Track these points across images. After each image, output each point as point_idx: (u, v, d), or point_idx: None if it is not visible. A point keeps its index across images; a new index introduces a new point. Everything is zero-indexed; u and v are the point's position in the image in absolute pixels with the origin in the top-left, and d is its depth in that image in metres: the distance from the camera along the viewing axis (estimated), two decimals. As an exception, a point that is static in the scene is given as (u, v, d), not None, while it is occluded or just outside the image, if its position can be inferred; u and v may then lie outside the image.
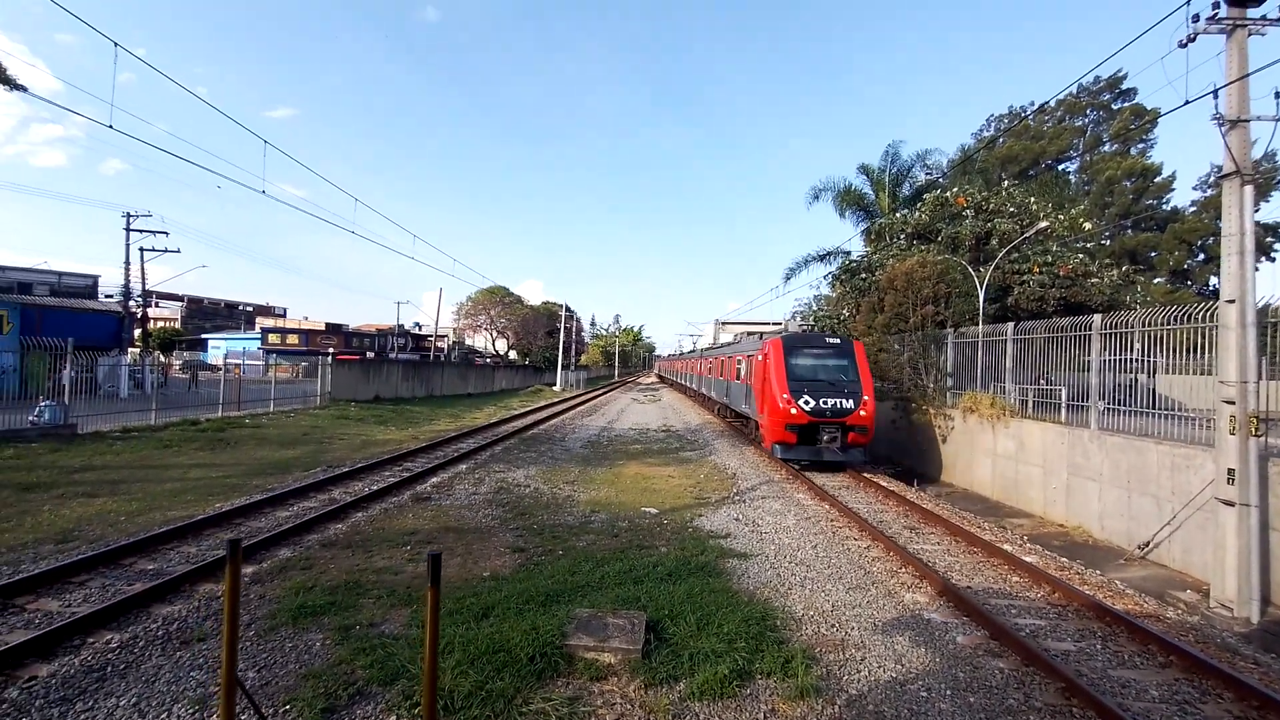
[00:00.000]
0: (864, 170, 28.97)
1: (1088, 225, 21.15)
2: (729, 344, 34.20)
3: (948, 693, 4.90)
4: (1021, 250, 19.85)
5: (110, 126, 9.31)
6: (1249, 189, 7.47)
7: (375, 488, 11.13)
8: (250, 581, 6.71)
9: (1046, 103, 50.77)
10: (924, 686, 4.99)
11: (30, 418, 14.26)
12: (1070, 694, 4.85)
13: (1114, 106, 48.75)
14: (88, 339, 21.84)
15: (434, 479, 12.59)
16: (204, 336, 66.73)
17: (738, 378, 20.82)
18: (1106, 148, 47.13)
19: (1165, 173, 44.87)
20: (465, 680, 4.64)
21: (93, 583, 6.52)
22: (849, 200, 28.75)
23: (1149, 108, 41.89)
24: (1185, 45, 7.90)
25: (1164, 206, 44.95)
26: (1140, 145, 47.20)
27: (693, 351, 51.19)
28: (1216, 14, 7.57)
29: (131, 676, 4.76)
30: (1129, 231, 43.62)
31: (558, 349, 56.16)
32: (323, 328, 60.63)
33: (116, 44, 8.74)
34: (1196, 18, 7.72)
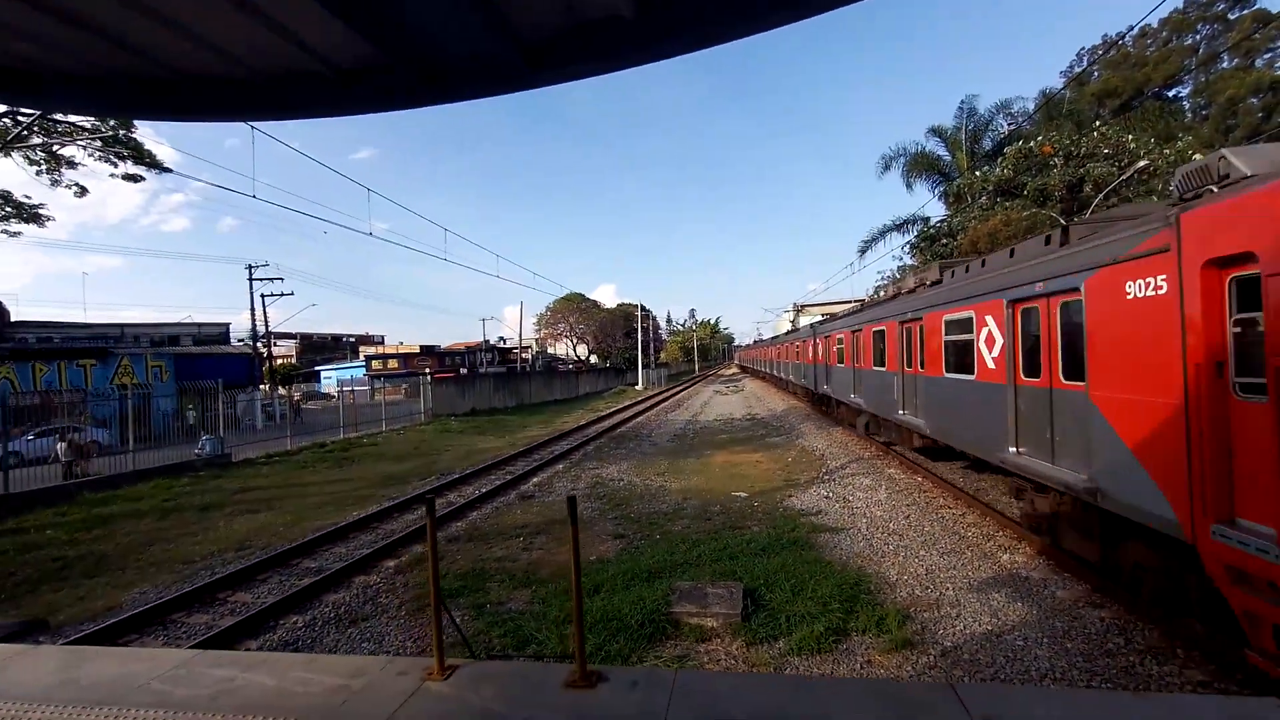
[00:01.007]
0: (936, 132, 27.67)
1: (1198, 156, 19.20)
2: (812, 325, 27.11)
3: (1045, 640, 5.02)
4: (1122, 194, 18.41)
5: (254, 197, 10.86)
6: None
7: (484, 490, 12.20)
8: (394, 573, 7.78)
9: (1147, 24, 46.07)
10: (1020, 636, 5.13)
11: (195, 450, 16.63)
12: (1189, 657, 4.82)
13: (1230, 16, 43.48)
14: (227, 379, 24.93)
15: (535, 479, 13.57)
16: (317, 369, 73.26)
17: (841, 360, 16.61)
18: (1225, 64, 42.11)
19: (1296, 82, 39.51)
20: (585, 644, 5.29)
21: (272, 579, 7.78)
22: (921, 165, 27.56)
23: (1274, 11, 37.12)
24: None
25: (1300, 121, 39.61)
26: (1267, 55, 41.78)
27: (774, 338, 50.22)
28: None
29: (318, 649, 5.77)
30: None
31: (636, 349, 57.22)
32: (418, 350, 65.00)
33: (253, 125, 10.17)
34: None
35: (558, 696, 2.43)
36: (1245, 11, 42.03)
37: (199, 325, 37.96)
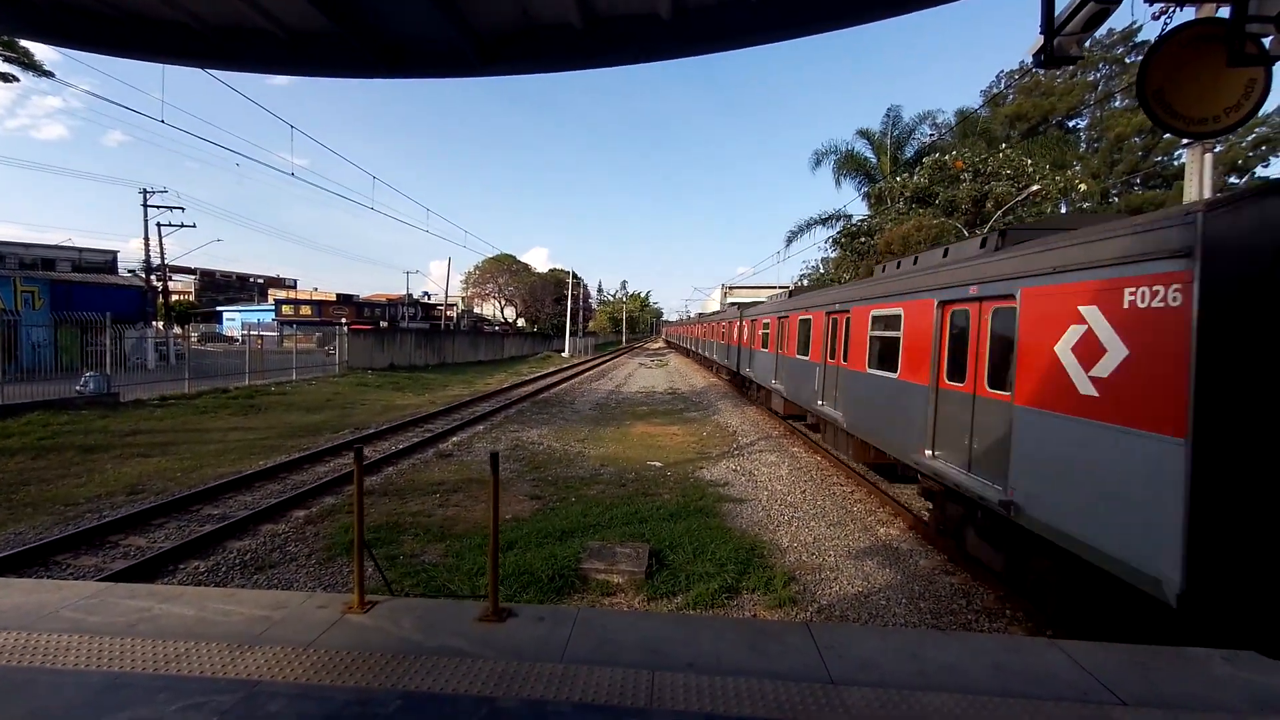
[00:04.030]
0: (864, 134, 29.06)
1: (1084, 186, 21.39)
2: (739, 306, 26.53)
3: (903, 601, 5.81)
4: (1017, 213, 20.24)
5: (162, 121, 9.96)
6: (1208, 155, 8.02)
7: (401, 446, 12.10)
8: (303, 523, 7.72)
9: (1059, 56, 49.58)
10: (884, 597, 5.90)
11: (76, 387, 15.29)
12: (1008, 600, 5.74)
13: (1127, 60, 47.65)
14: (114, 313, 22.84)
15: (454, 438, 13.56)
16: (218, 309, 67.97)
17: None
18: (1118, 103, 46.30)
19: (1177, 128, 44.08)
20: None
21: (170, 525, 7.52)
22: (850, 166, 28.92)
23: (1162, 60, 40.96)
24: (1157, 18, 8.34)
25: (1173, 163, 44.42)
26: (1152, 100, 46.28)
27: (701, 317, 51.25)
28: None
29: (222, 593, 5.75)
30: (1138, 189, 43.30)
31: (565, 316, 56.93)
32: (334, 298, 61.61)
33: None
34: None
35: (471, 628, 2.72)
36: (1138, 58, 46.15)
37: (80, 250, 34.20)
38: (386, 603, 2.94)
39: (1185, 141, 8.85)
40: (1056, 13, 3.14)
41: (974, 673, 2.48)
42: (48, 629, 2.61)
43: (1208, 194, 8.13)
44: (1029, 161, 21.31)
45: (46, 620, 2.67)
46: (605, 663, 2.42)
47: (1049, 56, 3.19)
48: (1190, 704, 2.31)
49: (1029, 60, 3.36)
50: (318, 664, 2.35)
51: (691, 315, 79.68)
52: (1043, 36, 3.17)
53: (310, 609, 2.84)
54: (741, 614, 5.56)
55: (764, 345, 17.38)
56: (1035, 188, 18.60)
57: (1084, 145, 45.28)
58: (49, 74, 14.90)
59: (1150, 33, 46.74)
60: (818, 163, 30.08)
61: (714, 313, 43.44)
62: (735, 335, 22.22)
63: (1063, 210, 24.48)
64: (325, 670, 2.32)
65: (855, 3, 2.46)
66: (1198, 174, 8.24)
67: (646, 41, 2.28)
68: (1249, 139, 38.06)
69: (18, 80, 17.43)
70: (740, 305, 25.87)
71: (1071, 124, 45.19)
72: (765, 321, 17.28)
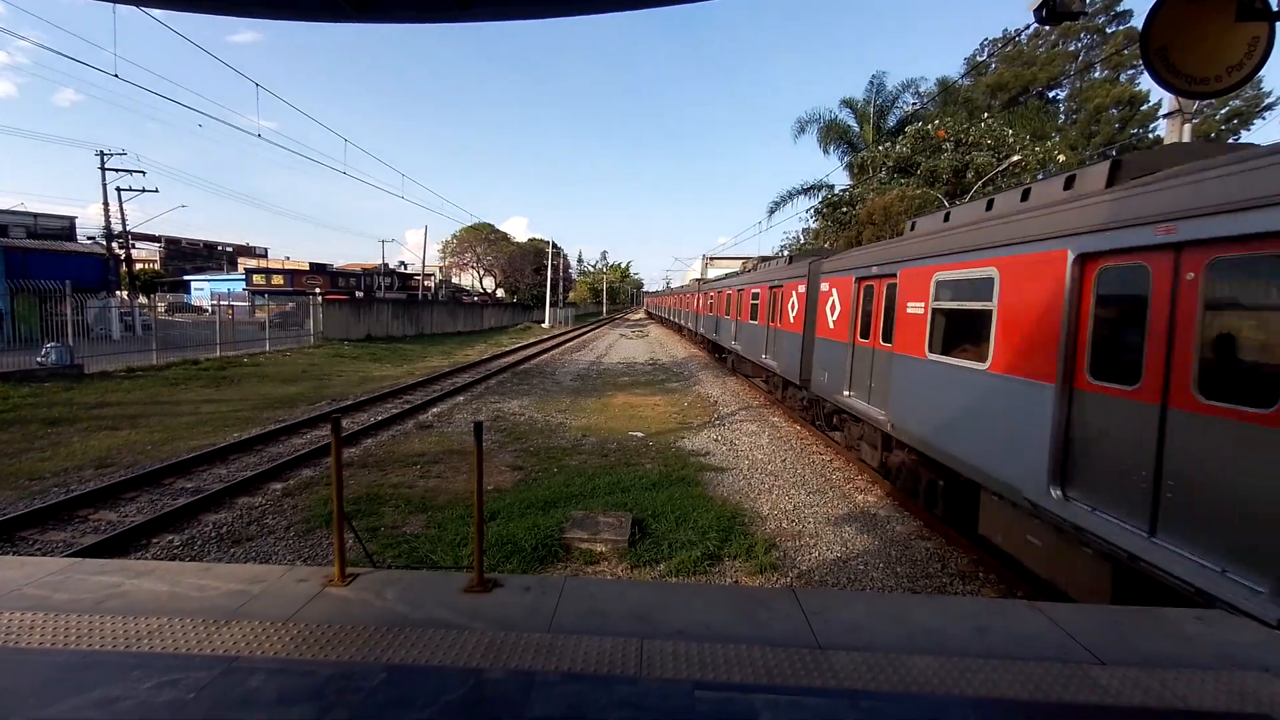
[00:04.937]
0: (847, 104, 28.77)
1: (1062, 157, 21.51)
2: (700, 281, 29.92)
3: (881, 565, 5.93)
4: (997, 183, 20.33)
5: (116, 75, 9.34)
6: (1188, 127, 8.06)
7: (380, 418, 11.93)
8: (281, 495, 7.60)
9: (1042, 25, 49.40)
10: (862, 562, 6.02)
11: (38, 359, 14.74)
12: (981, 563, 5.90)
13: (1108, 30, 47.62)
14: (75, 281, 21.98)
15: (434, 410, 13.41)
16: (186, 278, 65.84)
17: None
18: (1097, 74, 46.40)
19: (1152, 100, 44.52)
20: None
21: (141, 498, 7.34)
22: (833, 134, 28.66)
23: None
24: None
25: (1149, 135, 44.89)
26: (1130, 72, 46.49)
27: (680, 288, 51.09)
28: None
29: (198, 566, 5.64)
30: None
31: (545, 286, 56.31)
32: (307, 268, 60.07)
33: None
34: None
35: (456, 599, 2.68)
36: (1120, 29, 46.24)
37: (35, 216, 32.63)
38: (368, 575, 2.88)
39: (1163, 113, 8.88)
40: (1059, -35, 3.06)
41: (958, 635, 2.52)
42: (11, 607, 2.50)
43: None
44: (1010, 132, 21.34)
45: (9, 599, 2.57)
46: (594, 632, 2.41)
47: (1051, 11, 3.10)
48: (1165, 662, 2.37)
49: (1030, 16, 3.28)
50: (298, 638, 2.29)
51: (672, 285, 79.38)
52: (1044, -12, 3.09)
53: (289, 583, 2.77)
54: (723, 580, 5.63)
55: (726, 312, 19.97)
56: (1016, 158, 18.68)
57: (1063, 117, 45.47)
58: (-11, 24, 13.87)
59: (1136, 5, 46.73)
60: (801, 130, 29.77)
61: (690, 284, 43.54)
62: (705, 305, 25.91)
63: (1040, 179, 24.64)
64: (306, 644, 2.27)
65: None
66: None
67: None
68: (1223, 111, 38.55)
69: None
70: (702, 280, 29.73)
71: (1052, 94, 45.28)
72: (728, 294, 19.63)
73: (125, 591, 2.63)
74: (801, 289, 11.94)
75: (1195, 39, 2.86)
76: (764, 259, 21.60)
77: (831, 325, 10.08)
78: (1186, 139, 8.19)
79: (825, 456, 10.04)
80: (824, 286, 10.77)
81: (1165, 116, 8.38)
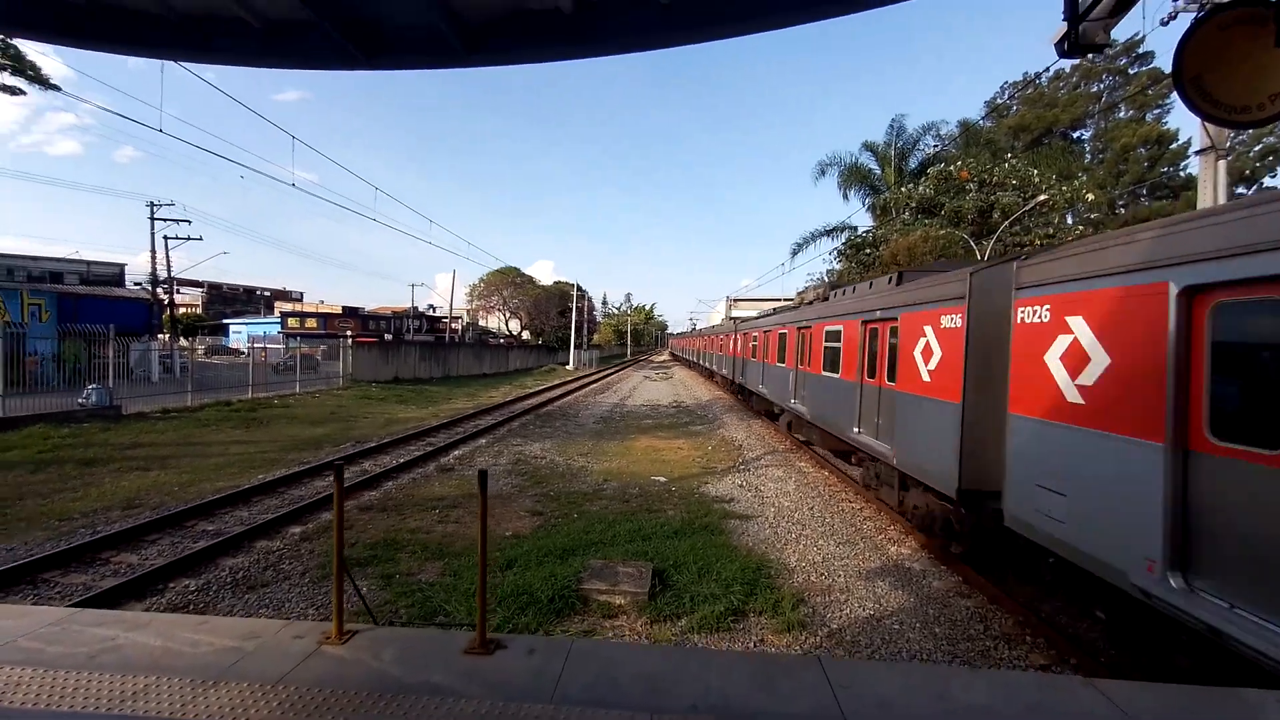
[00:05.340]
0: (868, 147, 29.01)
1: (1090, 196, 21.19)
2: (734, 321, 27.24)
3: (918, 625, 5.55)
4: (1024, 223, 20.06)
5: (160, 130, 9.95)
6: (1222, 164, 7.83)
7: (402, 460, 11.92)
8: (299, 539, 7.54)
9: (1061, 68, 49.69)
10: (897, 621, 5.64)
11: (79, 400, 15.23)
12: (1026, 625, 5.48)
13: (1130, 71, 47.63)
14: (120, 325, 22.88)
15: (456, 452, 13.38)
16: (225, 321, 68.27)
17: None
18: (1122, 114, 46.20)
19: (1181, 139, 44.00)
20: (495, 616, 5.38)
21: (163, 540, 7.35)
22: (855, 178, 28.84)
23: (1167, 72, 40.96)
24: (1166, 24, 8.18)
25: (1180, 174, 44.19)
26: (1156, 111, 46.21)
27: (703, 330, 51.00)
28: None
29: (210, 614, 5.55)
30: (1144, 200, 43.03)
31: (570, 328, 56.87)
32: (340, 311, 61.78)
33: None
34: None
35: (456, 661, 2.52)
36: (1142, 69, 46.23)
37: (88, 263, 34.41)
38: (367, 632, 2.75)
39: (1195, 150, 8.65)
40: (1081, -2, 2.98)
41: (1006, 715, 2.26)
42: (2, 661, 2.43)
43: (1222, 202, 7.93)
44: (1035, 172, 21.16)
45: (2, 652, 2.49)
46: (600, 703, 2.22)
47: (1073, 44, 3.01)
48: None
49: (1051, 49, 3.20)
50: (285, 703, 2.16)
51: (697, 327, 79.43)
52: (1066, 23, 3.01)
53: (285, 639, 2.65)
54: (748, 638, 5.32)
55: (753, 355, 19.19)
56: (1042, 198, 18.42)
57: (1089, 156, 45.14)
58: (55, 87, 15.05)
59: (1157, 46, 46.69)
60: (821, 173, 30.05)
61: (715, 326, 43.21)
62: (732, 347, 24.06)
63: (1069, 222, 24.26)
64: (294, 710, 2.13)
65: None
66: (1211, 183, 8.05)
67: (641, 27, 2.14)
68: (1256, 149, 37.81)
69: (24, 94, 17.60)
70: (736, 320, 27.35)
71: (1076, 135, 45.12)
72: (755, 335, 19.05)
73: (119, 646, 2.54)
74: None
75: (1232, 65, 2.73)
76: (833, 286, 14.41)
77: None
78: (1222, 177, 7.95)
79: (855, 505, 9.64)
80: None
81: (1197, 154, 8.16)
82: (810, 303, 14.09)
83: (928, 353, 7.07)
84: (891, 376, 8.12)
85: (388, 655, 2.52)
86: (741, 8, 2.07)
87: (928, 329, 7.08)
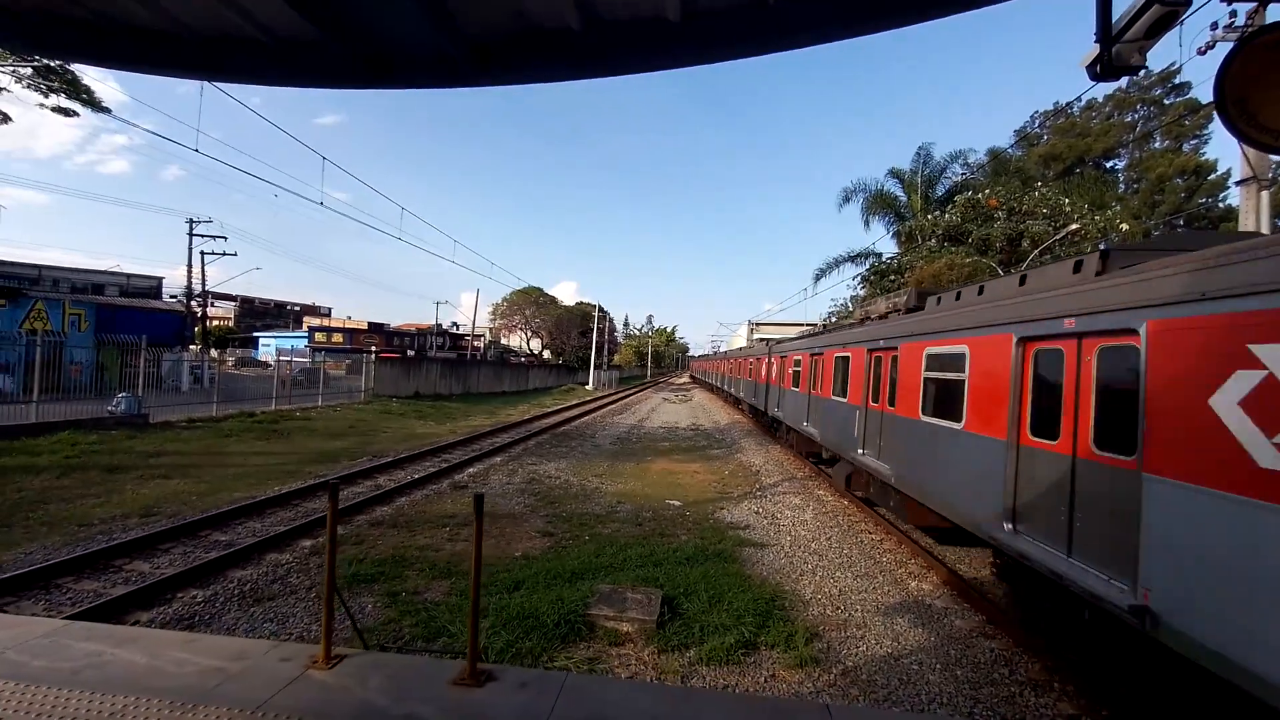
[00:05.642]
0: (894, 174, 28.87)
1: (1124, 226, 20.68)
2: (767, 342, 23.74)
3: (938, 666, 5.27)
4: (1054, 252, 19.63)
5: (196, 150, 10.34)
6: (1265, 194, 7.54)
7: (417, 476, 11.92)
8: (309, 553, 7.51)
9: (1093, 97, 49.18)
10: (916, 661, 5.37)
11: (109, 408, 15.60)
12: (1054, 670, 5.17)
13: (1166, 102, 46.89)
14: (154, 336, 23.51)
15: (471, 469, 13.35)
16: (255, 335, 69.94)
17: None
18: (1158, 144, 45.39)
19: (1220, 169, 42.99)
20: (498, 639, 5.25)
21: (176, 550, 7.39)
22: (880, 205, 28.65)
23: (1204, 102, 40.27)
24: (1204, 53, 7.99)
25: (1219, 205, 43.09)
26: (1193, 141, 45.31)
27: (727, 353, 50.61)
28: (1231, 22, 7.66)
29: (214, 627, 5.51)
30: (1181, 230, 41.97)
31: (590, 349, 57.07)
32: (365, 327, 62.90)
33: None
34: (1215, 25, 7.82)
35: (443, 693, 2.41)
36: (1178, 99, 45.48)
37: (128, 276, 35.67)
38: (356, 657, 2.66)
39: (1235, 180, 8.38)
40: (1114, 19, 2.87)
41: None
42: (-12, 673, 2.38)
43: (1265, 233, 7.62)
44: (1066, 201, 20.75)
45: (-10, 662, 2.46)
46: (590, 745, 2.09)
47: (1105, 67, 2.90)
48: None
49: (1084, 71, 3.08)
50: (265, 731, 2.07)
51: (719, 349, 78.94)
52: (1099, 45, 2.89)
53: (272, 661, 2.57)
54: (759, 673, 5.10)
55: (795, 384, 15.84)
56: (1074, 226, 18.02)
57: (1123, 186, 44.32)
58: (105, 109, 15.75)
59: (1193, 76, 45.99)
60: (846, 200, 29.92)
61: (739, 349, 42.19)
62: (763, 373, 20.37)
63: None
64: (274, 738, 2.04)
65: (881, 5, 2.24)
66: (1254, 214, 7.75)
67: (652, 47, 2.11)
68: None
69: (77, 115, 18.45)
70: (769, 341, 23.06)
71: (1109, 164, 44.40)
72: (797, 358, 15.53)
73: (104, 662, 2.48)
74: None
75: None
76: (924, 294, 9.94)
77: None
78: (1265, 207, 7.65)
79: (875, 536, 9.33)
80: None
81: (1238, 184, 7.88)
82: (884, 316, 10.70)
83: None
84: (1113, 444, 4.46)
85: (374, 683, 2.43)
86: (750, 29, 2.03)
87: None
